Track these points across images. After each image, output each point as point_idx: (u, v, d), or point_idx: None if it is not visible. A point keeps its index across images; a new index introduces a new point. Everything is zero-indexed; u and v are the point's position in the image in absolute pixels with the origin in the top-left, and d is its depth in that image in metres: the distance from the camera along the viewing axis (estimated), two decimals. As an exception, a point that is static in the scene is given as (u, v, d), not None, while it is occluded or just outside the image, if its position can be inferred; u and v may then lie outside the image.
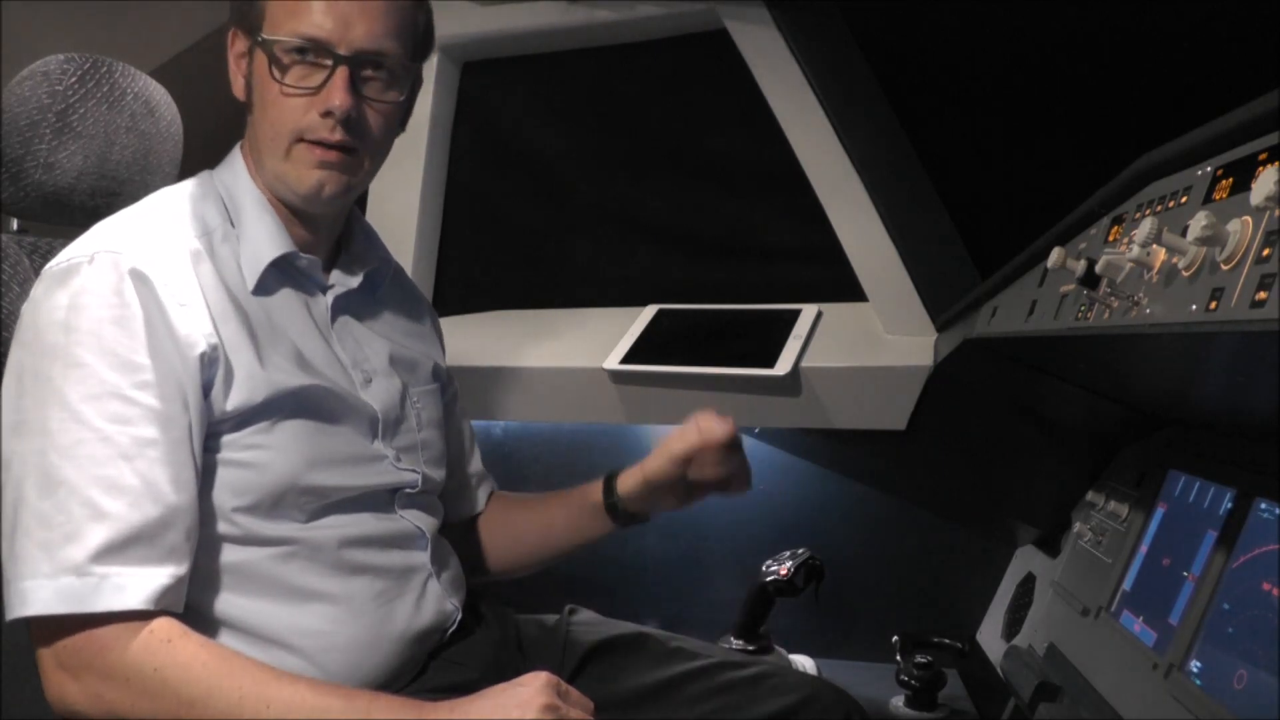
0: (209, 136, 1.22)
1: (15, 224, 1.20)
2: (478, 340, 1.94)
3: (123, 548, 0.86)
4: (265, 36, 1.00)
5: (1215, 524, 1.02)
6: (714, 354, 1.72)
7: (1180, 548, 1.08)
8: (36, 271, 1.04)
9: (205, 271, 0.98)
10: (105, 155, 1.14)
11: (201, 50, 1.67)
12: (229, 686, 0.86)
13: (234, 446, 0.96)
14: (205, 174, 1.08)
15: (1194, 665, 0.95)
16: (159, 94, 1.22)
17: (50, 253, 1.07)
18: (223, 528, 0.96)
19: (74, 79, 1.13)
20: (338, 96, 0.98)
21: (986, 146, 1.73)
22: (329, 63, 0.99)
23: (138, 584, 0.86)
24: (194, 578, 0.92)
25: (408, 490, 1.08)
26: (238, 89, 1.05)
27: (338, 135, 1.00)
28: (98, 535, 0.86)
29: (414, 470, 1.09)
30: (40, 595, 0.85)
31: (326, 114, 0.99)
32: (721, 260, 1.90)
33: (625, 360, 1.75)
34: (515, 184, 1.98)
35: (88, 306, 0.90)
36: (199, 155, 1.20)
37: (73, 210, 1.14)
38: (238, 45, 1.05)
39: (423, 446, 1.12)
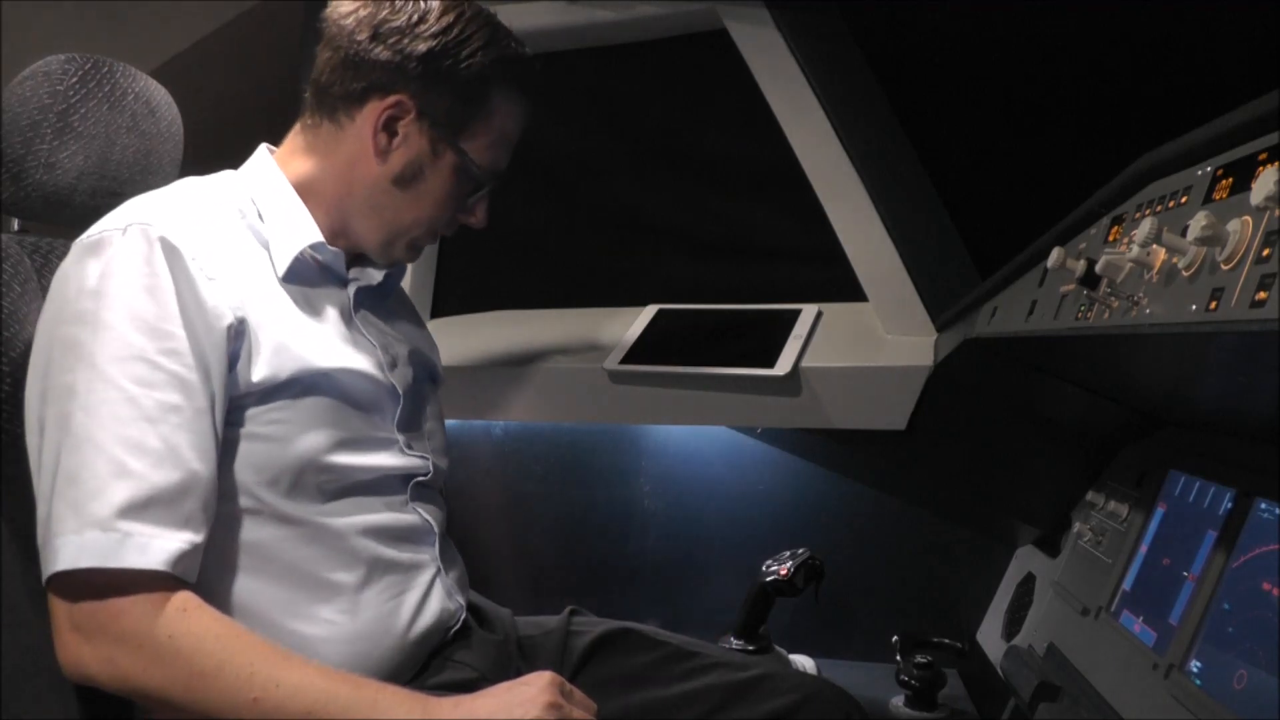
0: (209, 136, 1.23)
1: (16, 224, 1.20)
2: (478, 340, 1.94)
3: (145, 507, 0.87)
4: (470, 156, 1.08)
5: (1215, 524, 1.02)
6: (714, 354, 1.72)
7: (1180, 548, 1.08)
8: (37, 271, 1.04)
9: (235, 251, 1.00)
10: (106, 155, 1.14)
11: (201, 50, 1.67)
12: (241, 661, 0.86)
13: (258, 420, 0.97)
14: (229, 172, 1.11)
15: (1194, 665, 0.95)
16: (159, 94, 1.22)
17: (51, 252, 1.07)
18: (243, 502, 0.97)
19: (75, 79, 1.13)
20: (485, 218, 1.16)
21: (986, 146, 1.73)
22: (484, 186, 1.13)
23: (159, 545, 0.87)
24: (210, 555, 0.93)
25: (419, 478, 1.09)
26: (378, 150, 1.06)
27: (448, 233, 1.16)
28: (121, 492, 0.86)
29: (424, 457, 1.10)
30: (67, 551, 0.85)
31: (462, 224, 1.15)
32: (721, 260, 1.90)
33: (625, 360, 1.75)
34: (515, 184, 1.98)
35: (118, 274, 0.92)
36: (199, 155, 1.20)
37: (73, 210, 1.13)
38: (409, 123, 1.06)
39: (428, 436, 1.15)
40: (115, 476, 0.87)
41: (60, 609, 0.88)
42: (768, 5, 1.57)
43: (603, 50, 1.81)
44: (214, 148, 1.10)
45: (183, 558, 0.88)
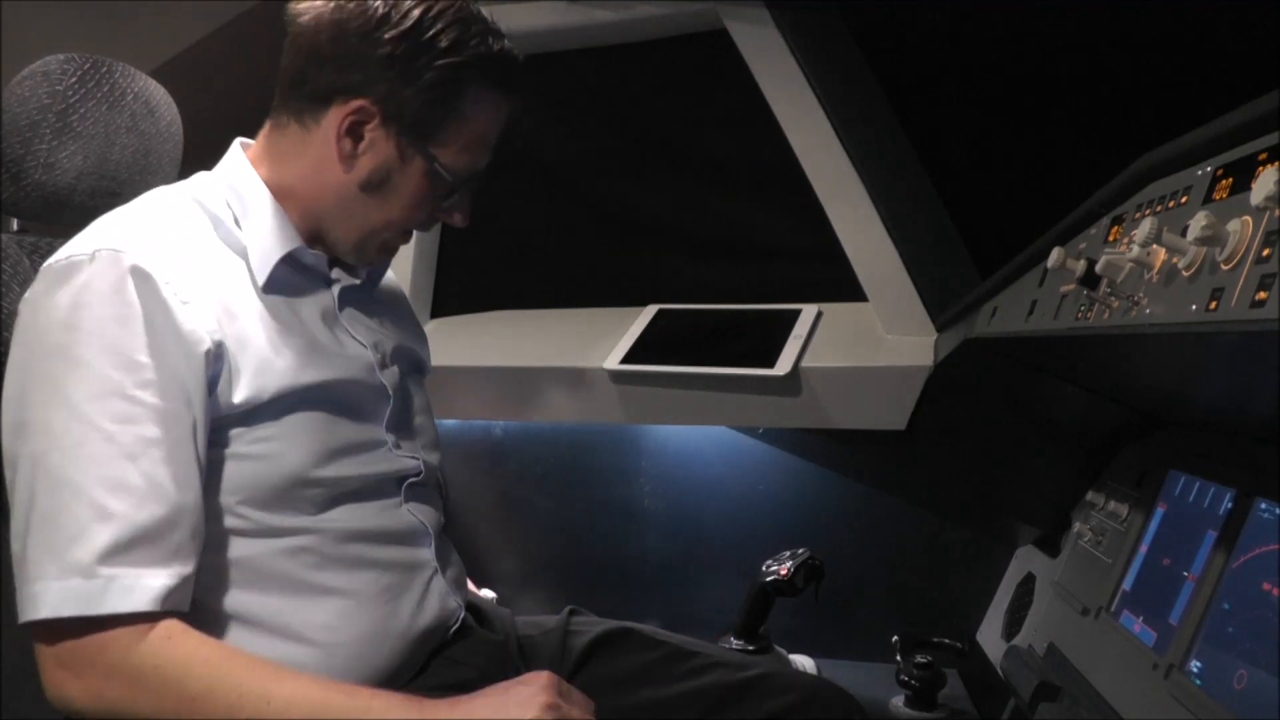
0: (209, 136, 1.22)
1: (15, 224, 1.20)
2: (478, 340, 1.94)
3: (129, 548, 0.86)
4: (438, 161, 1.03)
5: (1215, 524, 1.02)
6: (714, 354, 1.72)
7: (1180, 548, 1.08)
8: (36, 272, 1.04)
9: (210, 267, 0.98)
10: (105, 155, 1.14)
11: (201, 50, 1.67)
12: (229, 683, 0.86)
13: (242, 440, 0.96)
14: (203, 174, 1.08)
15: (1194, 665, 0.95)
16: (159, 94, 1.22)
17: (50, 252, 1.07)
18: (231, 522, 0.96)
19: (74, 79, 1.12)
20: (467, 218, 1.10)
21: (986, 146, 1.73)
22: (459, 190, 1.07)
23: (145, 585, 0.86)
24: (203, 572, 0.92)
25: (411, 479, 1.09)
26: (343, 155, 1.02)
27: (425, 231, 1.12)
28: (104, 536, 0.85)
29: (414, 457, 1.10)
30: (48, 599, 0.84)
31: (442, 222, 1.11)
32: (721, 260, 1.90)
33: (625, 360, 1.75)
34: (515, 184, 1.99)
35: (89, 304, 0.90)
36: (199, 155, 1.20)
37: (73, 210, 1.14)
38: (374, 128, 1.01)
39: (419, 432, 1.14)
40: (96, 520, 0.85)
41: (43, 649, 0.87)
42: (768, 5, 1.57)
43: (603, 50, 1.81)
44: (214, 148, 1.10)
45: (171, 593, 0.87)
